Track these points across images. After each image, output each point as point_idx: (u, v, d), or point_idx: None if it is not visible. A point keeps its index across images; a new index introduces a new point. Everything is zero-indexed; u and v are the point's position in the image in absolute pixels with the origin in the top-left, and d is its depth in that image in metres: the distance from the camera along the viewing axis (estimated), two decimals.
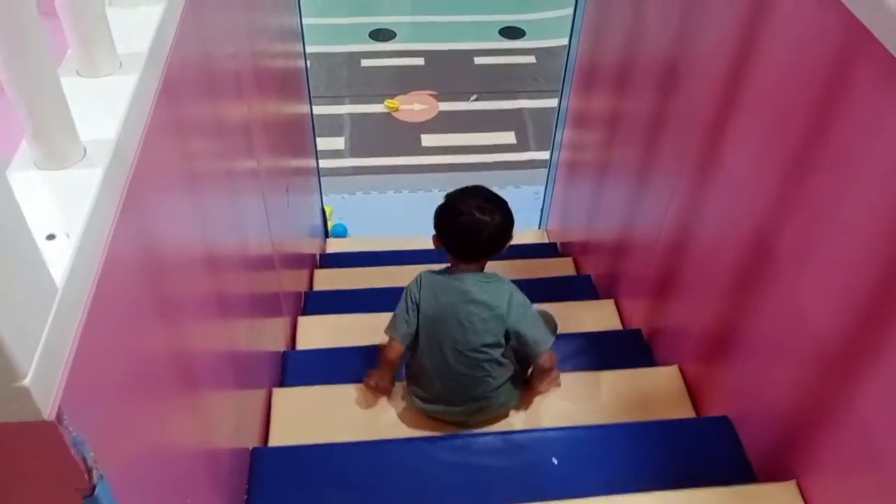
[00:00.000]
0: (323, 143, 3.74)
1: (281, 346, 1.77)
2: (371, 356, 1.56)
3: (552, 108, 4.00)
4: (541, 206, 3.22)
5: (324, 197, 3.32)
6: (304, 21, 4.75)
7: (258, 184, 1.56)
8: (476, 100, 4.09)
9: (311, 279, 2.41)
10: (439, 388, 1.42)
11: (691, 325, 1.59)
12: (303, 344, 1.89)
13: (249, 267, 1.47)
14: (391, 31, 4.62)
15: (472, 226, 1.36)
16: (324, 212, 3.04)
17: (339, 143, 3.79)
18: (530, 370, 1.48)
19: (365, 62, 4.36)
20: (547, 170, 3.10)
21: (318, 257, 2.70)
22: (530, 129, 3.90)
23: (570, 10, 2.49)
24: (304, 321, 1.98)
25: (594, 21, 2.30)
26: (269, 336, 1.63)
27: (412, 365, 1.47)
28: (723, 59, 1.34)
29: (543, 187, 3.19)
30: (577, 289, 2.23)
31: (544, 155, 3.71)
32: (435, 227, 1.43)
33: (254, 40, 1.66)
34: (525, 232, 3.10)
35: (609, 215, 2.18)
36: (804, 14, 1.09)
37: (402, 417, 1.49)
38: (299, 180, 2.47)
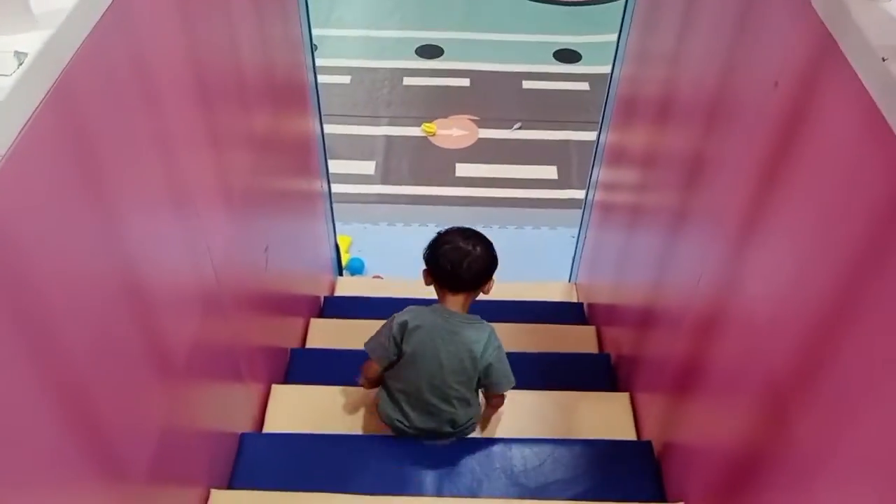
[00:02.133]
0: (352, 167, 3.58)
1: (237, 426, 1.57)
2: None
3: None
4: (573, 252, 2.94)
5: (343, 226, 3.14)
6: (350, 33, 4.62)
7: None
8: (519, 128, 3.84)
9: (305, 332, 2.20)
10: (409, 414, 1.55)
11: (709, 448, 1.31)
12: (274, 424, 1.68)
13: (169, 315, 1.18)
14: (439, 47, 4.40)
15: (454, 254, 1.49)
16: (337, 245, 2.84)
17: (369, 167, 3.59)
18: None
19: (407, 80, 4.16)
20: (582, 211, 2.82)
21: (321, 300, 2.50)
22: (574, 165, 3.62)
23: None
24: (279, 392, 1.77)
25: (637, 48, 2.02)
26: (213, 411, 1.42)
27: (389, 381, 1.58)
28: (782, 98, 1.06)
29: (579, 230, 2.92)
30: (591, 373, 1.97)
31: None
32: (424, 259, 1.55)
33: (222, 43, 1.44)
34: (553, 284, 2.84)
35: (636, 277, 1.87)
36: None
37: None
38: (297, 207, 2.26)
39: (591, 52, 4.39)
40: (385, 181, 3.52)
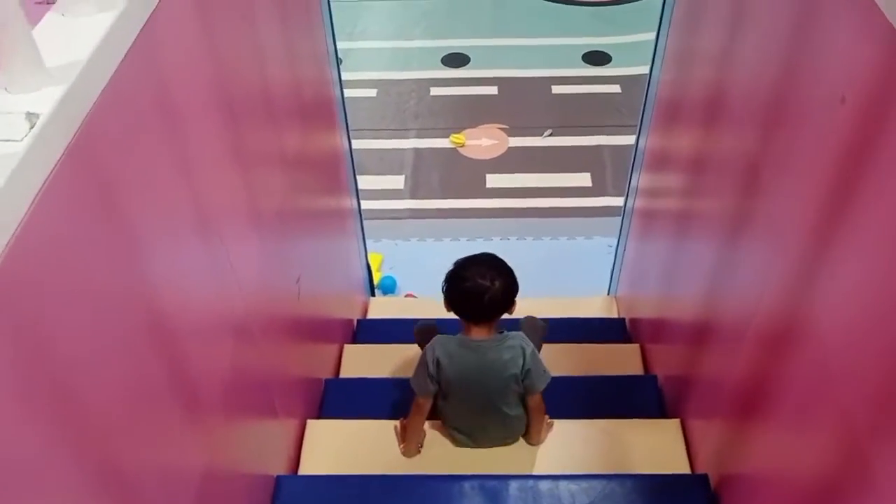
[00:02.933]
0: (381, 182, 3.52)
1: (273, 468, 1.51)
2: None
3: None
4: (612, 263, 2.84)
5: (374, 244, 3.08)
6: (375, 44, 4.57)
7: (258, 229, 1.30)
8: (551, 135, 3.74)
9: (338, 360, 2.14)
10: (469, 433, 1.63)
11: (776, 482, 1.21)
12: (311, 464, 1.62)
13: (201, 345, 1.12)
14: (465, 55, 4.33)
15: (473, 290, 1.48)
16: (368, 264, 2.78)
17: (398, 182, 3.53)
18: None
19: (434, 90, 4.09)
20: (621, 219, 2.72)
21: (355, 324, 2.44)
22: (609, 171, 3.52)
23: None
24: (315, 428, 1.71)
25: (679, 46, 1.92)
26: (247, 452, 1.36)
27: (445, 422, 1.65)
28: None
29: (617, 240, 2.81)
30: (637, 398, 1.87)
31: (622, 201, 3.34)
32: (443, 293, 1.54)
33: (249, 63, 1.39)
34: (591, 299, 2.74)
35: (687, 290, 1.75)
36: None
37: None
38: (328, 226, 2.20)
39: (621, 53, 4.28)
40: (414, 195, 3.46)
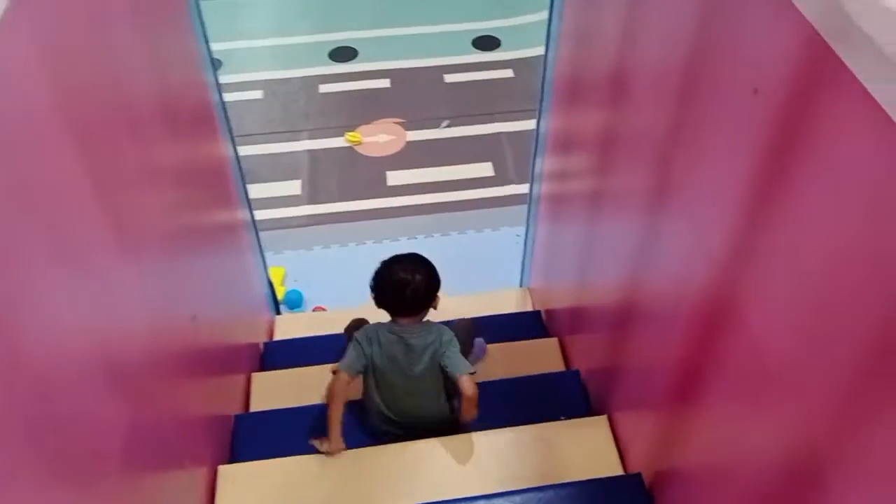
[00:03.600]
0: (277, 189, 3.35)
1: None
2: None
3: (534, 131, 3.61)
4: (522, 254, 2.80)
5: (274, 256, 2.92)
6: (257, 43, 4.35)
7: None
8: (448, 125, 3.67)
9: (246, 392, 1.99)
10: (394, 418, 1.69)
11: (715, 477, 1.17)
12: None
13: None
14: (352, 48, 4.18)
15: (396, 285, 1.59)
16: (270, 279, 2.62)
17: (294, 187, 3.37)
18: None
19: (324, 87, 3.93)
20: (527, 207, 2.67)
21: (261, 348, 2.29)
22: (510, 158, 3.48)
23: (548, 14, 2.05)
24: (228, 475, 1.57)
25: (577, 24, 1.85)
26: None
27: (367, 401, 1.71)
28: None
29: (525, 229, 2.77)
30: (562, 396, 1.83)
31: (526, 188, 3.31)
32: (371, 290, 1.64)
33: (103, 75, 1.20)
34: (503, 292, 2.69)
35: (606, 274, 1.68)
36: None
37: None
38: (219, 243, 2.04)
39: (510, 36, 4.25)
40: (313, 200, 3.31)
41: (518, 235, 3.05)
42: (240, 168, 2.33)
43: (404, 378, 1.62)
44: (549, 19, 2.03)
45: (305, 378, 1.93)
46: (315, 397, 1.79)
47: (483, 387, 1.60)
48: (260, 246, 2.55)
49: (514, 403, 1.80)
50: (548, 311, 2.36)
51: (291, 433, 1.69)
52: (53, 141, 0.97)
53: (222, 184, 2.13)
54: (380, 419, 1.70)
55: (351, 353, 1.63)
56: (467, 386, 1.56)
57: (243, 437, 1.74)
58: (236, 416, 1.81)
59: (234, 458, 1.68)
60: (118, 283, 1.14)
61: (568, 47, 1.95)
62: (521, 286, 2.71)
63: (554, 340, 2.14)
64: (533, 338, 2.20)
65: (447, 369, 1.59)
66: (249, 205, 2.45)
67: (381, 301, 1.62)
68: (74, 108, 1.04)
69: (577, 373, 1.91)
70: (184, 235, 1.60)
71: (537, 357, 2.06)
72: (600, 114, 1.69)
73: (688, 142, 1.18)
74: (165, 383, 1.33)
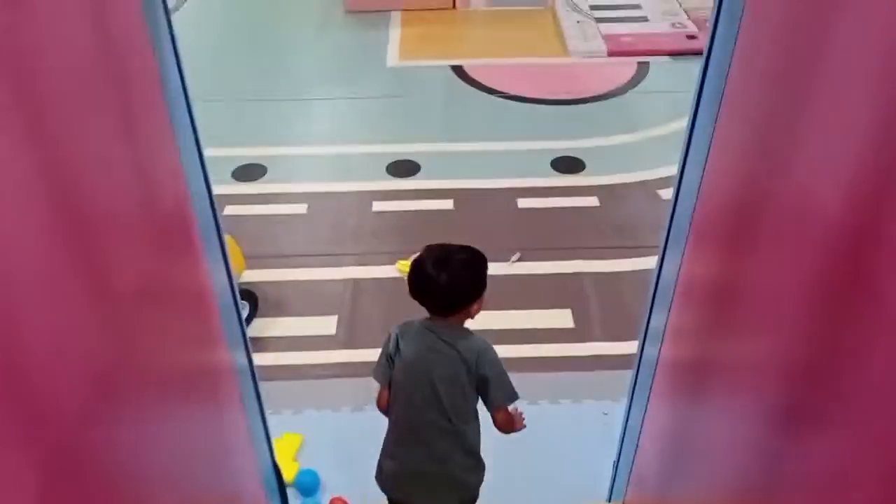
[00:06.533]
0: (308, 326, 2.76)
1: None
2: None
3: (626, 273, 2.96)
4: (618, 444, 2.06)
5: (293, 417, 2.30)
6: (308, 150, 3.86)
7: None
8: (519, 259, 3.07)
9: None
10: (397, 452, 1.66)
11: None
12: None
13: None
14: (415, 162, 3.69)
15: (423, 281, 1.52)
16: (273, 455, 1.96)
17: (329, 325, 2.78)
18: None
19: (378, 205, 3.41)
20: (634, 375, 1.94)
21: None
22: (594, 306, 2.83)
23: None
24: None
25: (744, 134, 1.23)
26: None
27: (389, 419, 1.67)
28: None
29: (626, 407, 2.02)
30: None
31: (616, 348, 2.63)
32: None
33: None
34: None
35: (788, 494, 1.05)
36: None
37: None
38: (188, 401, 1.41)
39: (596, 158, 3.70)
40: (349, 344, 2.69)
41: (605, 414, 2.36)
42: (234, 298, 1.72)
43: (425, 386, 1.52)
44: (691, 127, 1.43)
45: None
46: None
47: None
48: (260, 402, 1.90)
49: None
50: None
51: None
52: None
53: (198, 318, 1.52)
54: (384, 455, 1.66)
55: (379, 360, 1.61)
56: (504, 422, 1.56)
57: None
58: None
59: None
60: None
61: (723, 165, 1.34)
62: (609, 500, 1.98)
63: None
64: None
65: (487, 386, 1.52)
66: (246, 346, 1.82)
67: (412, 291, 1.56)
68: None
69: None
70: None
71: None
72: (794, 256, 1.04)
73: None
74: None
